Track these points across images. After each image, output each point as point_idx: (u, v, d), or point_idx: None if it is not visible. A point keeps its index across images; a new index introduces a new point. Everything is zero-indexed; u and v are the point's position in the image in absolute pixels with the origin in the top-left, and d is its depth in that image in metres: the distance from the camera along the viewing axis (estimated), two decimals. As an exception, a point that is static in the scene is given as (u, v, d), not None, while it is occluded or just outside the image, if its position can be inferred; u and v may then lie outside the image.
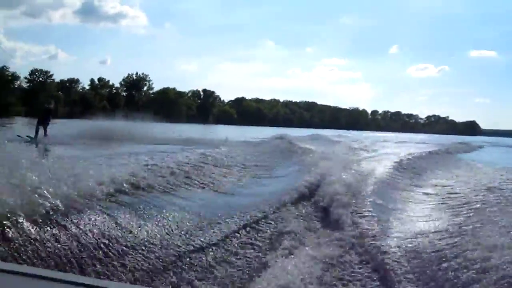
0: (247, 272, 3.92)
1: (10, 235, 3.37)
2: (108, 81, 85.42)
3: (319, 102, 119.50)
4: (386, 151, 18.40)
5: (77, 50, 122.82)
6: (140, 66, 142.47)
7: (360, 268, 4.05)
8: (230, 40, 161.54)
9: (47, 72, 76.75)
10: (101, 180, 5.31)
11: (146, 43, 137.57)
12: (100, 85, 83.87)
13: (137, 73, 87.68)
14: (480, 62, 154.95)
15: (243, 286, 3.67)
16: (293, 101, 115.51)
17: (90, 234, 3.93)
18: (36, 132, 12.66)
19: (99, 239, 3.89)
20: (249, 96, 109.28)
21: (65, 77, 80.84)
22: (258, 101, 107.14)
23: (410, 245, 4.35)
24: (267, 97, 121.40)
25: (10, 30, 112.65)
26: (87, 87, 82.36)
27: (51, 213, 3.93)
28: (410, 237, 4.62)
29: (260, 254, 4.35)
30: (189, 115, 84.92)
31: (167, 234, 4.50)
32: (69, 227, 3.90)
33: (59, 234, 3.73)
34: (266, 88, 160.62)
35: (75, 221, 4.05)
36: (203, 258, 4.06)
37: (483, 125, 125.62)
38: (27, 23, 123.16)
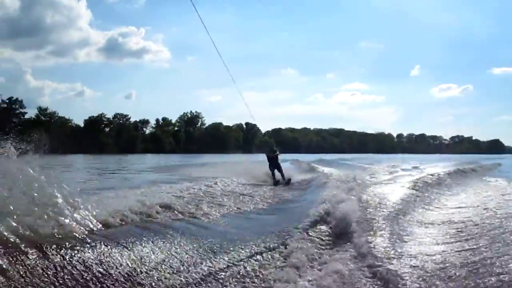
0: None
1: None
2: (171, 120, 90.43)
3: (344, 127, 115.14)
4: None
5: (102, 86, 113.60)
6: (165, 99, 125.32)
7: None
8: (252, 70, 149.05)
9: (126, 115, 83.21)
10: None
11: (170, 76, 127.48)
12: (164, 124, 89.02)
13: (191, 111, 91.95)
14: (503, 79, 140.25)
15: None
16: (323, 128, 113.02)
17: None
18: (273, 175, 13.24)
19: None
20: (278, 125, 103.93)
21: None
22: (292, 130, 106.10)
23: (424, 268, 3.54)
24: (294, 125, 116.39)
25: (37, 70, 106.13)
26: (154, 126, 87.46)
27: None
28: (424, 260, 3.79)
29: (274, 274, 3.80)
30: (236, 146, 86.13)
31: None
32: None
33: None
34: (291, 115, 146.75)
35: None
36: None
37: (507, 142, 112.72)
38: (53, 62, 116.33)
